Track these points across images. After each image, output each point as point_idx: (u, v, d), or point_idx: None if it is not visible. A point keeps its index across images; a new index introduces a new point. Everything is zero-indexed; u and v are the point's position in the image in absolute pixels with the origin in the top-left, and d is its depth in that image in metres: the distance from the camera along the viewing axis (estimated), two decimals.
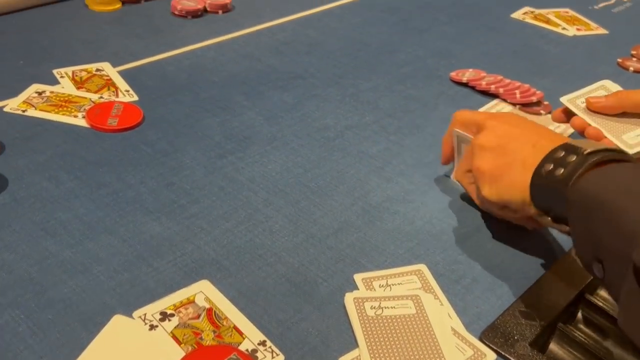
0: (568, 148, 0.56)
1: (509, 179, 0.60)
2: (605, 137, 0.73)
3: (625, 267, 0.45)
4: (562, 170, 0.54)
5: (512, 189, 0.59)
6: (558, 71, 1.01)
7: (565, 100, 0.80)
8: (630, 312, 0.45)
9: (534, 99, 0.89)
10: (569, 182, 0.53)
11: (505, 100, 0.90)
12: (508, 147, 0.61)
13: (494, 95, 0.92)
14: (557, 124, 0.85)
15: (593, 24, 1.20)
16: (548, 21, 1.19)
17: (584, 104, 0.78)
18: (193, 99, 0.85)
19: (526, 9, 1.24)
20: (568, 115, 0.80)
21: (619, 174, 0.52)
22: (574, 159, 0.54)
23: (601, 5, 1.30)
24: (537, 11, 1.23)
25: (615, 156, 0.54)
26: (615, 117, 0.76)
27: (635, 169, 0.53)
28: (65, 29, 1.00)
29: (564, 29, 1.17)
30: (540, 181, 0.56)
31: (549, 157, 0.56)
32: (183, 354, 0.51)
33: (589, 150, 0.54)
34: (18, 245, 0.60)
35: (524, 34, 1.14)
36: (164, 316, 0.54)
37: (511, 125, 0.64)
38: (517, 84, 0.92)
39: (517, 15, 1.21)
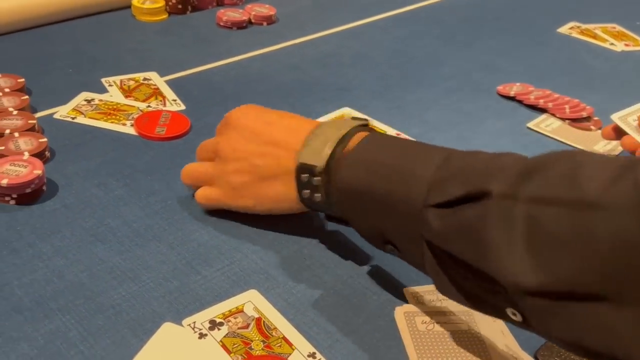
0: (305, 169, 0.56)
1: (273, 195, 0.60)
2: None
3: (419, 244, 0.50)
4: (318, 196, 0.56)
5: (280, 203, 0.61)
6: (607, 87, 1.00)
7: (616, 117, 0.79)
8: (439, 279, 0.50)
9: (584, 114, 0.88)
10: (331, 201, 0.56)
11: (554, 115, 0.89)
12: (253, 162, 0.60)
13: (542, 110, 0.90)
14: (607, 141, 0.83)
15: None
16: (595, 36, 1.17)
17: (636, 122, 0.76)
18: None
19: (572, 24, 1.22)
20: (618, 133, 0.78)
21: (368, 155, 0.54)
22: (318, 180, 0.55)
23: None
24: (584, 26, 1.21)
25: (347, 139, 0.56)
26: None
27: (375, 142, 0.55)
28: (113, 39, 1.01)
29: (611, 44, 1.15)
30: (309, 204, 0.58)
31: (300, 183, 0.57)
32: None
33: (321, 165, 0.55)
34: (69, 251, 0.60)
35: (571, 48, 1.12)
36: (214, 325, 0.53)
37: (242, 137, 0.62)
38: (567, 98, 0.91)
39: (564, 30, 1.19)
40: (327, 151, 0.55)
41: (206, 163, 0.66)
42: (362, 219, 0.55)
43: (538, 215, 0.42)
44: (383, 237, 0.54)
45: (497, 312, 0.47)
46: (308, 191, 0.57)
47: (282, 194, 0.59)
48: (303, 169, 0.56)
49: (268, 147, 0.60)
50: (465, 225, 0.46)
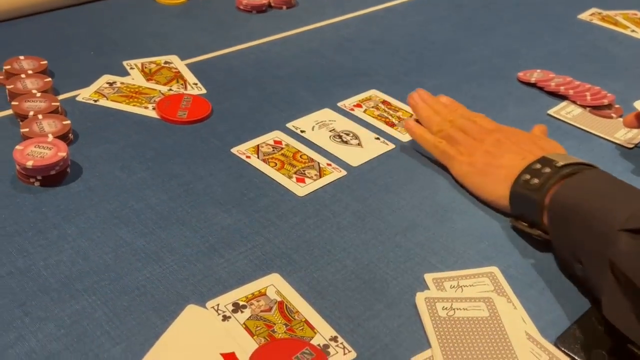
0: (544, 161, 0.64)
1: (493, 181, 0.67)
2: None
3: (603, 265, 0.52)
4: (536, 181, 0.62)
5: (494, 191, 0.67)
6: (629, 74, 0.99)
7: (639, 104, 0.78)
8: (612, 303, 0.52)
9: (605, 101, 0.87)
10: (542, 191, 0.61)
11: (574, 102, 0.88)
12: (502, 151, 0.69)
13: (563, 97, 0.90)
14: (627, 129, 0.83)
15: None
16: (616, 23, 1.16)
17: None
18: (259, 94, 0.85)
19: (593, 10, 1.21)
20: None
21: (589, 180, 0.60)
22: (548, 170, 0.62)
23: None
24: (605, 12, 1.20)
25: (584, 168, 0.62)
26: None
27: (602, 174, 0.61)
28: (133, 22, 1.01)
29: (632, 31, 1.14)
30: (518, 189, 0.64)
31: (527, 169, 0.64)
32: (256, 345, 0.51)
33: (561, 163, 0.62)
34: (93, 233, 0.61)
35: (592, 35, 1.11)
36: (237, 307, 0.54)
37: (509, 139, 0.70)
38: (588, 85, 0.90)
39: (584, 16, 1.18)
40: (570, 160, 0.63)
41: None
42: (562, 233, 0.59)
43: None
44: (574, 254, 0.57)
45: None
46: (529, 176, 0.63)
47: (504, 167, 0.67)
48: (542, 160, 0.64)
49: (522, 146, 0.69)
50: None
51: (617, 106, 0.88)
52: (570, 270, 0.59)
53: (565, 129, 0.84)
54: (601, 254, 0.52)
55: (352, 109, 0.84)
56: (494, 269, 0.60)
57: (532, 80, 0.92)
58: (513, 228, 0.66)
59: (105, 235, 0.61)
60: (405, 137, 0.79)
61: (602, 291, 0.53)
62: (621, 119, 0.86)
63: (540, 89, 0.92)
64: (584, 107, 0.88)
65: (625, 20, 1.18)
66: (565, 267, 0.60)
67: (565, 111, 0.87)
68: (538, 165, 0.64)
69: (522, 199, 0.64)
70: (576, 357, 0.52)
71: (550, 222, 0.60)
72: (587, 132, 0.83)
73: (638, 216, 0.52)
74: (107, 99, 0.81)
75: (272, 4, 1.10)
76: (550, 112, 0.87)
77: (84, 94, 0.81)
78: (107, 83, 0.84)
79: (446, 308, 0.55)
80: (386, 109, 0.85)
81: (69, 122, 0.72)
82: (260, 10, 1.08)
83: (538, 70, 0.95)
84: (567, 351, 0.53)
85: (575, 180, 0.61)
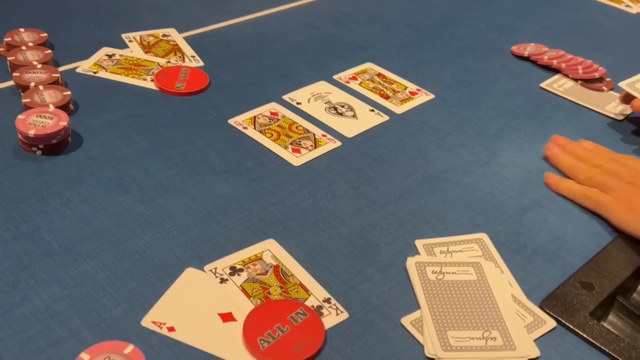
0: None
1: None
2: None
3: None
4: None
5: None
6: (621, 49, 1.00)
7: (624, 85, 0.80)
8: None
9: (597, 75, 0.89)
10: None
11: (567, 76, 0.90)
12: None
13: (555, 70, 0.91)
14: (617, 102, 0.85)
15: None
16: None
17: None
18: (256, 66, 0.87)
19: None
20: (628, 98, 0.80)
21: None
22: None
23: None
24: None
25: None
26: None
27: None
28: None
29: (627, 5, 1.15)
30: None
31: None
32: (252, 306, 0.53)
33: None
34: (95, 200, 0.63)
35: (586, 9, 1.12)
36: (234, 271, 0.56)
37: None
38: (580, 59, 0.91)
39: None
40: None
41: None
42: None
43: None
44: None
45: None
46: None
47: None
48: None
49: None
50: None
51: (608, 79, 0.90)
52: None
53: (557, 102, 0.85)
54: None
55: (348, 82, 0.86)
56: (483, 236, 0.62)
57: (526, 53, 0.94)
58: None
59: (106, 202, 0.63)
60: (399, 109, 0.81)
61: None
62: (612, 92, 0.87)
63: (534, 62, 0.93)
64: (575, 80, 0.89)
65: None
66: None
67: (557, 84, 0.88)
68: None
69: None
70: (560, 318, 0.54)
71: None
72: (579, 104, 0.85)
73: None
74: (107, 71, 0.82)
75: None
76: (543, 85, 0.88)
77: (84, 66, 0.83)
78: (106, 55, 0.85)
79: (436, 272, 0.58)
80: (381, 82, 0.86)
81: (69, 93, 0.74)
82: None
83: (532, 44, 0.96)
84: (551, 312, 0.55)
85: None
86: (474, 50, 0.95)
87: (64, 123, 0.68)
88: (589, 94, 0.87)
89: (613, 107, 0.84)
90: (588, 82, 0.89)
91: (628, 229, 0.64)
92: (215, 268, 0.56)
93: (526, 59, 0.94)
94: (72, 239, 0.58)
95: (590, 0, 1.16)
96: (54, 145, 0.67)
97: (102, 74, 0.81)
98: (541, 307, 0.55)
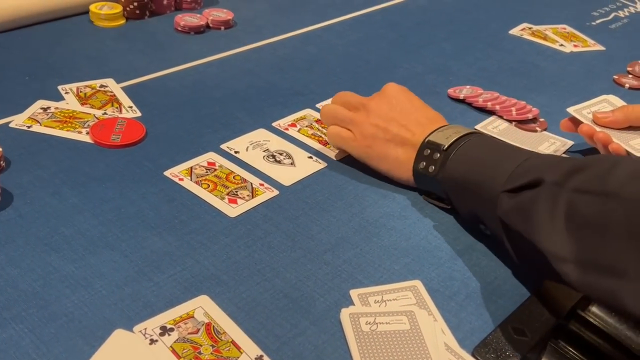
0: (432, 146, 0.71)
1: (393, 157, 0.75)
2: (614, 142, 0.78)
3: (497, 223, 0.62)
4: (432, 168, 0.71)
5: (394, 168, 0.75)
6: (554, 88, 1.03)
7: (572, 110, 0.84)
8: (514, 252, 0.63)
9: (530, 115, 0.91)
10: (439, 175, 0.70)
11: (501, 117, 0.92)
12: (391, 127, 0.75)
13: (490, 112, 0.93)
14: (551, 142, 0.87)
15: (590, 41, 1.22)
16: (545, 37, 1.21)
17: (590, 115, 0.82)
18: (195, 115, 0.87)
19: (524, 25, 1.25)
20: (576, 123, 0.83)
21: (472, 150, 0.69)
22: (438, 156, 0.70)
23: (598, 21, 1.32)
24: (535, 27, 1.25)
25: (466, 140, 0.70)
26: (621, 129, 0.80)
27: (481, 141, 0.71)
28: (70, 45, 1.02)
29: (561, 45, 1.19)
30: (419, 175, 0.73)
31: (420, 156, 0.72)
32: None
33: (446, 146, 0.70)
34: (22, 260, 0.61)
35: (521, 50, 1.15)
36: (164, 330, 0.55)
37: (391, 106, 0.77)
38: (514, 101, 0.94)
39: (515, 31, 1.23)
40: (453, 137, 0.71)
41: (348, 110, 0.79)
42: (461, 203, 0.69)
43: (576, 201, 0.54)
44: (477, 218, 0.68)
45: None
46: (424, 163, 0.72)
47: (400, 159, 0.74)
48: (429, 144, 0.72)
49: (407, 123, 0.75)
50: (522, 205, 0.59)
51: (541, 120, 0.92)
52: (477, 229, 0.70)
53: None
54: (495, 214, 0.62)
55: (287, 129, 0.86)
56: (417, 283, 0.63)
57: (461, 96, 0.96)
58: (424, 199, 0.75)
59: (34, 263, 0.61)
60: (338, 155, 0.81)
61: (505, 245, 0.63)
62: (545, 132, 0.89)
63: (469, 104, 0.95)
64: (510, 121, 0.91)
65: (554, 34, 1.23)
66: (473, 227, 0.71)
67: (492, 126, 0.90)
68: (428, 151, 0.72)
69: (425, 184, 0.74)
70: None
71: (449, 194, 0.71)
72: (514, 145, 0.87)
73: (513, 177, 0.61)
74: (41, 125, 0.81)
75: (210, 25, 1.12)
76: (478, 127, 0.90)
77: (18, 120, 0.81)
78: (42, 108, 0.84)
79: (369, 323, 0.57)
80: (320, 128, 0.87)
81: (0, 149, 0.72)
82: (198, 32, 1.10)
83: (467, 87, 0.98)
84: None
85: (460, 154, 0.69)
86: None
87: None
88: (524, 135, 0.89)
89: (546, 147, 0.86)
90: (522, 123, 0.91)
91: (368, 164, 0.77)
92: (145, 328, 0.55)
93: (462, 101, 0.96)
94: None
95: (525, 41, 1.19)
96: None
97: (36, 127, 0.80)
98: (473, 355, 0.56)
